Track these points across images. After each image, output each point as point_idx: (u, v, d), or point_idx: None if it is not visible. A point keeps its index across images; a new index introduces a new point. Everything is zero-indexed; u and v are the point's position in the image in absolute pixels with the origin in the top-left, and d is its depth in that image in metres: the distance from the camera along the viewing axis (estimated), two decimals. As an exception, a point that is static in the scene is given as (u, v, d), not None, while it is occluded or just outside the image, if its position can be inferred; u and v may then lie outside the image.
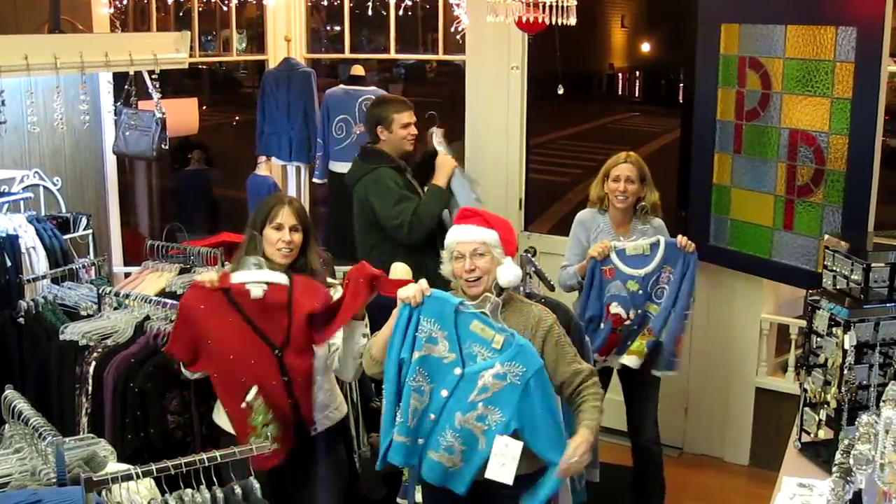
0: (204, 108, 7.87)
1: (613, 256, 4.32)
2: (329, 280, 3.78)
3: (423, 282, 3.19)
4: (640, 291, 4.32)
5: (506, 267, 3.30)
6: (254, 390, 3.29)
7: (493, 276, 3.29)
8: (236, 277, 3.40)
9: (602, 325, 4.36)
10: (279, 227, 3.59)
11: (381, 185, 4.64)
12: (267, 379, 3.38)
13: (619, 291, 4.33)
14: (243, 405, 3.29)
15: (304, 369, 3.47)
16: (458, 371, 3.10)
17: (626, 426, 4.67)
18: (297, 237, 3.61)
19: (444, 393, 3.10)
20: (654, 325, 4.36)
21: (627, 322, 4.35)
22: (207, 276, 3.44)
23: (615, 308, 4.34)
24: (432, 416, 3.12)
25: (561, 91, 5.03)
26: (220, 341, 3.37)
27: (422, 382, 3.11)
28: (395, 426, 3.14)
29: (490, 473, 3.06)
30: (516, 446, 3.05)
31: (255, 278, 3.40)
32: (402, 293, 3.15)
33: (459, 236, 3.32)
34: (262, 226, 3.62)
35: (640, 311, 4.34)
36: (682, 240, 4.32)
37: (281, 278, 3.45)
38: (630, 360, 4.40)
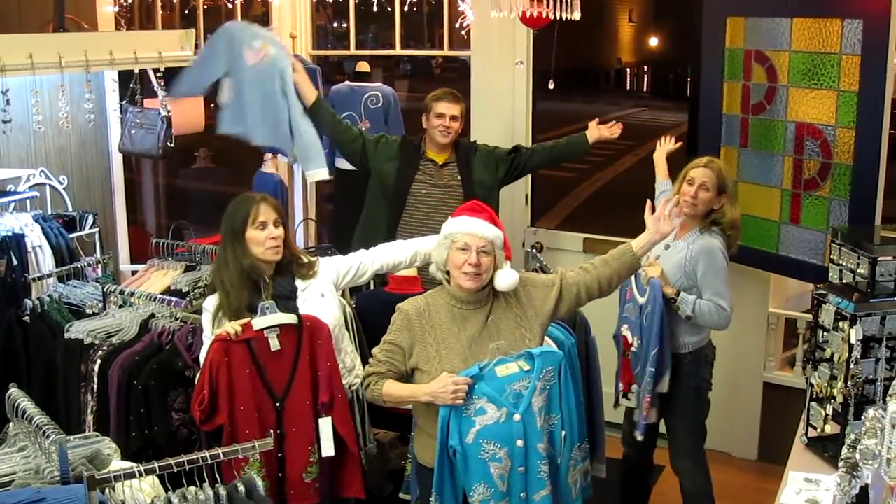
0: (211, 105, 7.87)
1: (631, 277, 4.08)
2: (308, 258, 3.80)
3: (449, 377, 3.16)
4: (638, 320, 4.16)
5: (506, 273, 3.33)
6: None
7: (491, 275, 3.30)
8: (256, 325, 3.38)
9: (617, 347, 4.28)
10: (263, 226, 3.56)
11: None
12: (264, 433, 3.36)
13: (628, 314, 4.23)
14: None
15: (303, 423, 3.43)
16: (517, 418, 3.15)
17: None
18: (282, 231, 3.60)
19: (520, 443, 3.16)
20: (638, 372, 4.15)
21: (634, 348, 4.17)
22: (230, 326, 3.39)
23: (625, 330, 4.24)
24: (521, 468, 3.17)
25: (552, 86, 5.02)
26: (235, 393, 3.34)
27: (494, 450, 3.15)
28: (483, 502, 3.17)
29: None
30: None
31: (272, 322, 3.39)
32: (443, 400, 3.15)
33: (470, 228, 3.28)
34: (242, 230, 3.56)
35: (642, 341, 4.14)
36: (646, 271, 4.04)
37: (291, 319, 3.43)
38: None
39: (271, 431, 3.32)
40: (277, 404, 3.40)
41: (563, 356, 3.28)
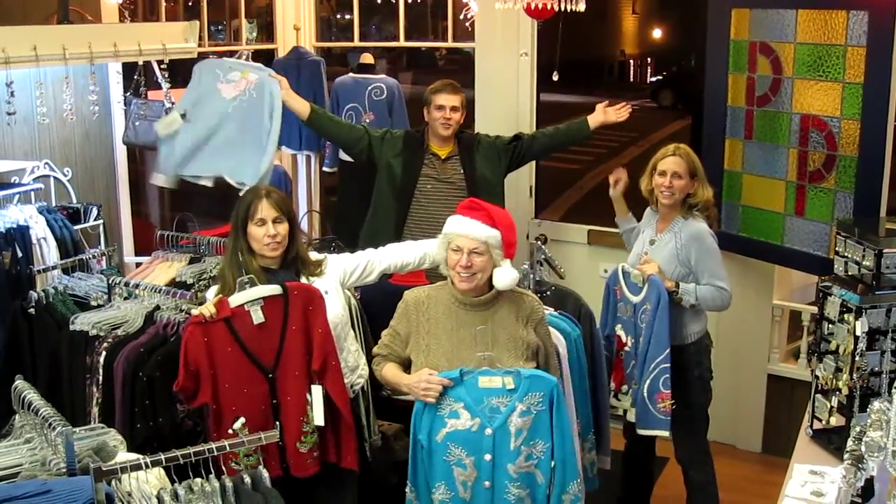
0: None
1: (620, 277, 4.19)
2: (315, 255, 3.80)
3: (427, 373, 3.20)
4: (632, 319, 4.16)
5: (504, 271, 3.30)
6: (240, 421, 3.25)
7: (488, 275, 3.30)
8: (233, 301, 3.38)
9: (609, 347, 4.24)
10: (262, 223, 3.58)
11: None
12: (256, 405, 3.38)
13: (621, 314, 4.23)
14: (230, 431, 3.24)
15: (296, 392, 3.43)
16: (488, 432, 3.14)
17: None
18: (283, 228, 3.60)
19: (488, 457, 3.15)
20: (634, 372, 4.13)
21: (627, 348, 4.17)
22: (205, 308, 3.40)
23: (618, 329, 4.24)
24: (487, 483, 3.16)
25: (556, 78, 5.00)
26: (218, 372, 3.35)
27: (460, 455, 3.16)
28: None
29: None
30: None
31: (250, 297, 3.38)
32: (415, 394, 3.20)
33: (461, 229, 3.29)
34: (244, 224, 3.60)
35: (636, 340, 4.14)
36: (641, 269, 4.07)
37: (274, 290, 3.43)
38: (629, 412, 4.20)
39: (277, 424, 3.33)
40: (269, 375, 3.41)
41: (556, 384, 3.20)
